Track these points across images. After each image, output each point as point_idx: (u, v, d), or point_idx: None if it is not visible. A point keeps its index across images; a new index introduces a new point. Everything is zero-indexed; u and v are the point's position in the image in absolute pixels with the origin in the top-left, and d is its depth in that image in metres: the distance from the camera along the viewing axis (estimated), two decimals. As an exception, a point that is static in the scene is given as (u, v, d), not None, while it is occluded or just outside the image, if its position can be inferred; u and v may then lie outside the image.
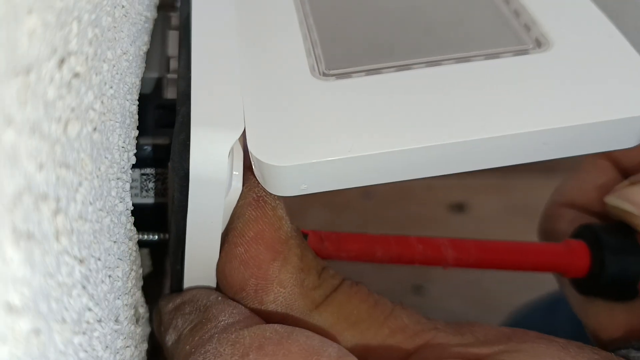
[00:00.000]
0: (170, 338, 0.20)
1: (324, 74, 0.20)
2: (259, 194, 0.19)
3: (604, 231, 0.24)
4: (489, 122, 0.18)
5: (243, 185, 0.19)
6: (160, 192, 0.22)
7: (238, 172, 0.19)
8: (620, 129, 0.18)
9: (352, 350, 0.19)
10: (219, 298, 0.20)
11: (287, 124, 0.19)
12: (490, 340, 0.19)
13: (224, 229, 0.20)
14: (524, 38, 0.21)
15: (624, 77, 0.19)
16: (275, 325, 0.18)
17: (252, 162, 0.18)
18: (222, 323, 0.18)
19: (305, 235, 0.21)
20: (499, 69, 0.20)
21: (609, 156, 0.27)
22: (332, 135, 0.18)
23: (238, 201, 0.19)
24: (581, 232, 0.25)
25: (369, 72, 0.20)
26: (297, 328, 0.18)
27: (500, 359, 0.18)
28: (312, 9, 0.23)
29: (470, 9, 0.23)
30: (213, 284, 0.21)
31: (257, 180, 0.19)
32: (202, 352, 0.18)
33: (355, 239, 0.22)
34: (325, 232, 0.22)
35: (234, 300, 0.20)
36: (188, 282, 0.21)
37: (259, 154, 0.18)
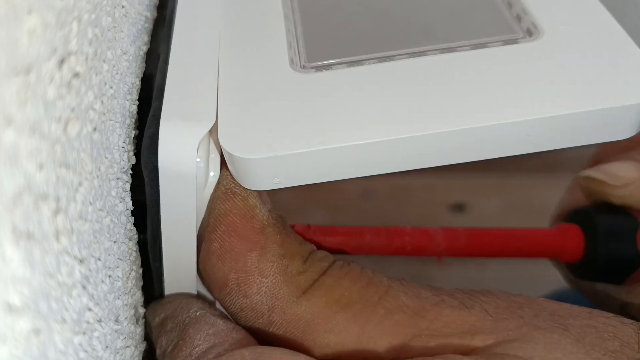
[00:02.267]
0: (158, 353, 0.20)
1: (303, 67, 0.20)
2: (227, 186, 0.19)
3: (597, 213, 0.24)
4: (469, 113, 0.17)
5: None
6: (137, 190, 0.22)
7: (215, 168, 0.19)
8: (611, 118, 0.18)
9: (346, 335, 0.18)
10: (197, 313, 0.20)
11: (258, 116, 0.18)
12: (501, 315, 0.18)
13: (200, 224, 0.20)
14: (514, 28, 0.20)
15: (615, 64, 0.18)
16: (245, 350, 0.18)
17: (225, 155, 0.18)
18: (197, 350, 0.18)
19: None
20: (484, 58, 0.19)
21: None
22: (304, 127, 0.18)
23: (211, 195, 0.19)
24: (574, 217, 0.25)
25: (350, 63, 0.20)
26: (267, 349, 0.18)
27: (506, 353, 0.17)
28: (300, 3, 0.23)
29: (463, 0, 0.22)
30: (193, 281, 0.21)
31: (227, 172, 0.19)
32: None
33: (341, 231, 0.22)
34: (309, 226, 0.22)
35: (220, 298, 0.19)
36: (169, 279, 0.21)
37: (228, 146, 0.18)
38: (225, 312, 0.20)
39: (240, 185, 0.19)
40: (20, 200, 0.12)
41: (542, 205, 0.28)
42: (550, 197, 0.28)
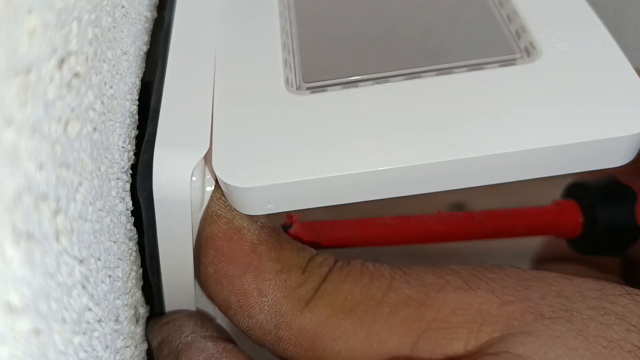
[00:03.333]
0: None
1: (299, 87, 0.20)
2: (212, 209, 0.19)
3: (592, 185, 0.24)
4: (462, 143, 0.17)
5: None
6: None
7: (212, 183, 0.19)
8: (607, 148, 0.17)
9: (355, 340, 0.18)
10: (189, 338, 0.19)
11: (252, 143, 0.18)
12: (507, 296, 0.17)
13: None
14: (512, 47, 0.20)
15: (612, 91, 0.18)
16: None
17: (218, 180, 0.18)
18: None
19: (289, 226, 0.21)
20: (480, 82, 0.19)
21: None
22: (297, 156, 0.18)
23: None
24: (569, 191, 0.25)
25: (345, 85, 0.20)
26: None
27: (507, 350, 0.16)
28: (297, 15, 0.23)
29: (462, 15, 0.22)
30: (192, 296, 0.21)
31: (216, 193, 0.19)
32: None
33: (346, 225, 0.22)
34: (311, 222, 0.22)
35: (229, 318, 0.19)
36: (168, 294, 0.21)
37: (222, 175, 0.18)
38: (224, 328, 0.21)
39: (226, 207, 0.19)
40: (20, 201, 0.12)
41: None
42: (550, 197, 0.28)
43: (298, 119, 0.19)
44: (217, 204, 0.19)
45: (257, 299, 0.18)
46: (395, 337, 0.17)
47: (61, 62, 0.14)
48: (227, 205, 0.19)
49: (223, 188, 0.18)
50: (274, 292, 0.18)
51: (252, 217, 0.19)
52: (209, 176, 0.19)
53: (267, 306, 0.18)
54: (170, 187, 0.18)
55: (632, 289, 0.18)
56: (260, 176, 0.17)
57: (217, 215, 0.19)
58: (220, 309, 0.19)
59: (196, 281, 0.21)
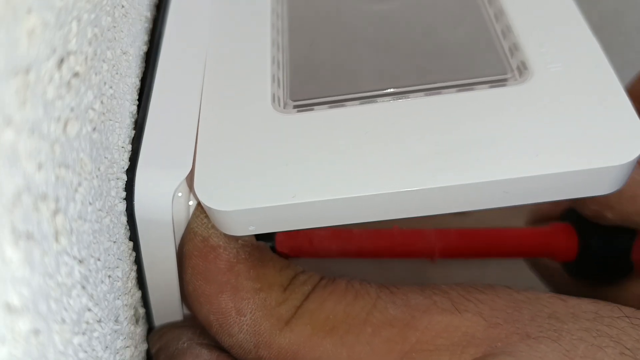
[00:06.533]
0: None
1: (285, 105, 0.20)
2: (191, 226, 0.19)
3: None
4: (446, 170, 0.17)
5: None
6: None
7: (192, 202, 0.19)
8: (594, 177, 0.17)
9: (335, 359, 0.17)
10: (185, 345, 0.19)
11: (234, 164, 0.18)
12: (495, 319, 0.17)
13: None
14: (504, 66, 0.20)
15: (601, 118, 0.17)
16: None
17: (200, 202, 0.18)
18: None
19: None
20: (469, 103, 0.18)
21: None
22: (278, 178, 0.18)
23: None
24: (566, 215, 0.24)
25: (332, 104, 0.19)
26: None
27: None
28: (289, 27, 0.23)
29: (456, 30, 0.21)
30: (179, 311, 0.21)
31: (197, 211, 0.19)
32: None
33: (329, 235, 0.22)
34: (297, 231, 0.21)
35: (214, 336, 0.19)
36: (155, 306, 0.21)
37: (203, 198, 0.18)
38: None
39: (203, 225, 0.19)
40: (19, 201, 0.12)
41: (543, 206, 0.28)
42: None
43: (282, 141, 0.19)
44: (196, 221, 0.19)
45: (236, 318, 0.18)
46: (377, 358, 0.17)
47: (60, 61, 0.14)
48: (205, 222, 0.19)
49: (205, 208, 0.18)
50: (253, 311, 0.18)
51: (231, 236, 0.19)
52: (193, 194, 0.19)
53: (246, 325, 0.18)
54: (151, 209, 0.18)
55: (631, 310, 0.17)
56: (241, 199, 0.17)
57: (194, 232, 0.19)
58: (204, 326, 0.19)
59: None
